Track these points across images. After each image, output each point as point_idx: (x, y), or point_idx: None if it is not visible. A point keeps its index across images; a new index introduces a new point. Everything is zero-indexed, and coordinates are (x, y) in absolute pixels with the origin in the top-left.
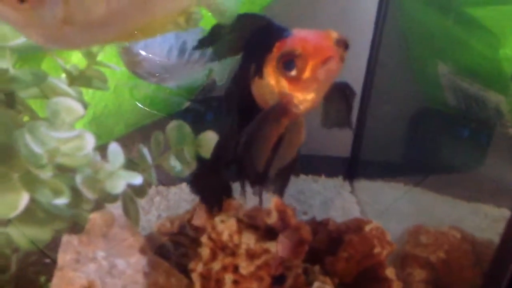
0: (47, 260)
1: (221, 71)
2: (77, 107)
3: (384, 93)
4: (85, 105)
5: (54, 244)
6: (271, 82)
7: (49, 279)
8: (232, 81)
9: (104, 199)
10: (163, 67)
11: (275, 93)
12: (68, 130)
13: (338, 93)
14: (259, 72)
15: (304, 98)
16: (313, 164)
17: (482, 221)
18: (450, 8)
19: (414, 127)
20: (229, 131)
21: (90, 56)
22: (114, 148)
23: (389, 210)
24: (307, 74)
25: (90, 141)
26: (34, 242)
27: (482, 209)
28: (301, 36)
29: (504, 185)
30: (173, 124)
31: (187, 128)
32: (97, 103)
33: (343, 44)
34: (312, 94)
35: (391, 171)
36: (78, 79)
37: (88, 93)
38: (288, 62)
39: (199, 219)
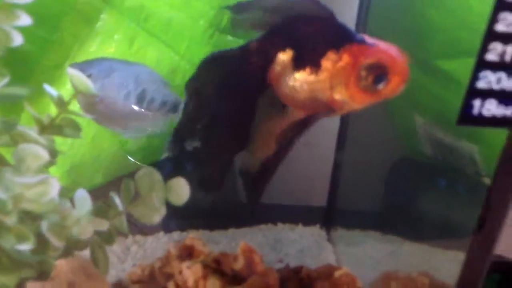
0: None
1: None
2: (43, 153)
3: (361, 144)
4: (55, 153)
5: None
6: (325, 83)
7: None
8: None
9: (72, 246)
10: (120, 112)
11: (325, 93)
12: (32, 176)
13: None
14: (310, 67)
15: (352, 108)
16: (290, 214)
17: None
18: (423, 62)
19: (392, 177)
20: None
21: (61, 105)
22: (81, 194)
23: (364, 258)
24: (388, 90)
25: (54, 187)
26: None
27: (460, 257)
28: (387, 50)
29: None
30: (142, 171)
31: (156, 175)
32: (75, 153)
33: None
34: (361, 107)
35: (368, 220)
36: (48, 127)
37: (66, 143)
38: (380, 76)
39: (170, 266)
